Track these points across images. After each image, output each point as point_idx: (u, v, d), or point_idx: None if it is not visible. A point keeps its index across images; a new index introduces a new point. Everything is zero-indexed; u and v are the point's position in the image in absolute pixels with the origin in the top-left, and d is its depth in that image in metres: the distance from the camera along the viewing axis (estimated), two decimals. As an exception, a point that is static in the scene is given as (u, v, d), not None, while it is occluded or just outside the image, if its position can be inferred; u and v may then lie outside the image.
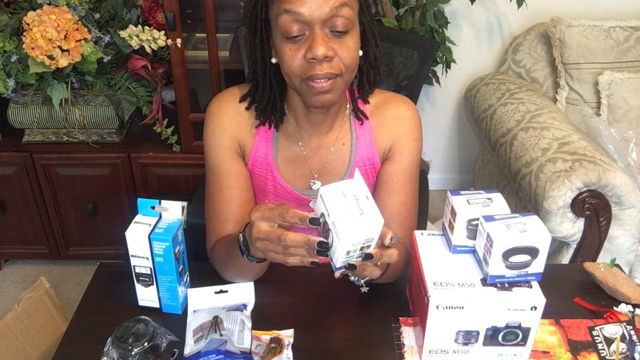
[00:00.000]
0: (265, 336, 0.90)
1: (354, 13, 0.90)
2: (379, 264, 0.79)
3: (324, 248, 0.74)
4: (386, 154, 1.07)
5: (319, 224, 0.74)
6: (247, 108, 1.04)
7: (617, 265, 1.04)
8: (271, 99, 1.01)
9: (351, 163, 1.06)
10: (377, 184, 1.08)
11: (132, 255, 0.90)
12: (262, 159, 1.06)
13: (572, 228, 1.55)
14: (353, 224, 0.71)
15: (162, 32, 1.64)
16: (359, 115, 1.05)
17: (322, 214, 0.73)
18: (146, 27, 1.63)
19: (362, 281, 0.94)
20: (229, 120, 1.05)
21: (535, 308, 0.80)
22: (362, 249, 0.74)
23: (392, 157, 1.06)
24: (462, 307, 0.80)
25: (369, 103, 1.07)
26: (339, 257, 0.73)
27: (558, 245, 1.65)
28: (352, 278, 0.95)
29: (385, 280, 0.97)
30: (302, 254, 0.76)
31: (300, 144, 1.06)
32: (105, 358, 0.85)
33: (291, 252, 0.77)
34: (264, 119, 1.04)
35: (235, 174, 1.05)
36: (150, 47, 1.63)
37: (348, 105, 1.06)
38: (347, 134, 1.06)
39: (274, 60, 0.96)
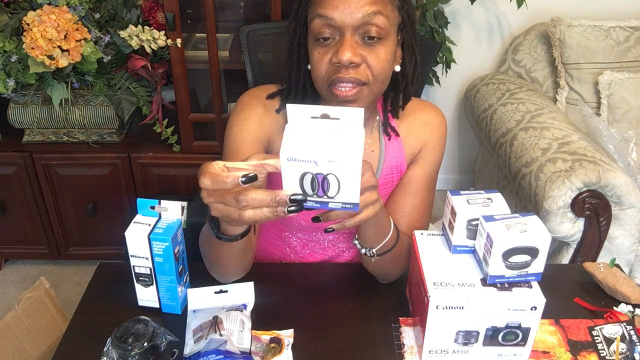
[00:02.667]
0: (265, 336, 0.90)
1: (389, 23, 0.89)
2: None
3: (297, 205, 0.62)
4: (413, 159, 1.08)
5: (249, 181, 0.61)
6: (278, 111, 1.03)
7: (617, 265, 1.04)
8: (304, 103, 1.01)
9: (380, 171, 1.06)
10: (396, 186, 1.08)
11: (132, 255, 0.90)
12: None
13: (572, 228, 1.55)
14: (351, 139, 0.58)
15: (162, 32, 1.64)
16: (388, 131, 1.04)
17: (304, 175, 0.60)
18: (146, 27, 1.63)
19: (373, 250, 0.92)
20: (264, 113, 1.02)
21: (535, 308, 0.80)
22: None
23: (417, 161, 1.07)
24: (462, 307, 0.80)
25: (398, 118, 1.06)
26: (355, 186, 0.60)
27: (558, 245, 1.65)
28: (363, 250, 0.92)
29: (390, 266, 0.96)
30: (266, 215, 0.64)
31: None
32: (105, 358, 0.85)
33: (250, 210, 0.64)
34: None
35: None
36: (150, 47, 1.63)
37: (377, 118, 1.06)
38: (376, 142, 1.06)
39: (309, 67, 0.95)
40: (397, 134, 1.05)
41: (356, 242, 0.93)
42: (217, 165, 0.66)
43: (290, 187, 0.61)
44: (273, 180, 0.97)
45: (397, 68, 0.97)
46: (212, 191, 0.65)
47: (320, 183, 0.60)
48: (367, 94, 0.91)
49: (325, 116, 0.61)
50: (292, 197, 0.62)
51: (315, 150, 0.58)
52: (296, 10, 0.95)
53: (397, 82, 1.00)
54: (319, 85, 0.93)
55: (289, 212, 0.63)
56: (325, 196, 0.61)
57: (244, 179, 0.62)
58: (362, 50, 0.88)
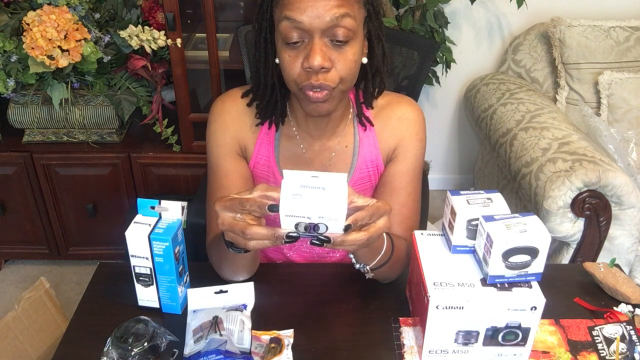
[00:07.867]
0: (265, 336, 0.90)
1: (356, 23, 0.89)
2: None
3: (292, 239, 0.74)
4: (390, 155, 1.07)
5: (276, 211, 0.72)
6: (249, 104, 1.04)
7: (617, 265, 1.04)
8: (272, 99, 1.01)
9: (354, 166, 1.06)
10: (379, 185, 1.08)
11: (132, 255, 0.90)
12: (264, 160, 1.06)
13: (572, 228, 1.55)
14: (334, 195, 0.70)
15: (162, 32, 1.64)
16: (363, 121, 1.04)
17: (298, 223, 0.72)
18: (146, 27, 1.63)
19: (367, 267, 0.93)
20: (232, 120, 1.05)
21: (535, 308, 0.80)
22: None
23: (396, 158, 1.06)
24: (462, 307, 0.80)
25: (373, 108, 1.06)
26: (340, 224, 0.72)
27: (558, 245, 1.65)
28: (357, 265, 0.94)
29: (387, 273, 0.97)
30: (266, 244, 0.75)
31: (302, 146, 1.06)
32: (105, 358, 0.85)
33: (256, 243, 0.75)
34: (263, 118, 1.03)
35: (235, 173, 1.05)
36: (150, 47, 1.63)
37: (352, 110, 1.06)
38: (350, 137, 1.06)
39: (277, 61, 0.95)
40: (372, 124, 1.05)
41: (351, 255, 0.94)
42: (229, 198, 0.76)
43: (287, 227, 0.74)
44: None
45: (365, 60, 0.97)
46: (228, 224, 0.76)
47: (312, 227, 0.73)
48: (337, 94, 0.92)
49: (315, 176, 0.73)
50: (288, 234, 0.73)
51: (307, 209, 0.71)
52: (260, 4, 0.94)
53: (366, 72, 0.99)
54: (290, 85, 0.94)
55: (286, 243, 0.74)
56: (315, 233, 0.74)
57: (272, 209, 0.73)
58: (331, 53, 0.88)
